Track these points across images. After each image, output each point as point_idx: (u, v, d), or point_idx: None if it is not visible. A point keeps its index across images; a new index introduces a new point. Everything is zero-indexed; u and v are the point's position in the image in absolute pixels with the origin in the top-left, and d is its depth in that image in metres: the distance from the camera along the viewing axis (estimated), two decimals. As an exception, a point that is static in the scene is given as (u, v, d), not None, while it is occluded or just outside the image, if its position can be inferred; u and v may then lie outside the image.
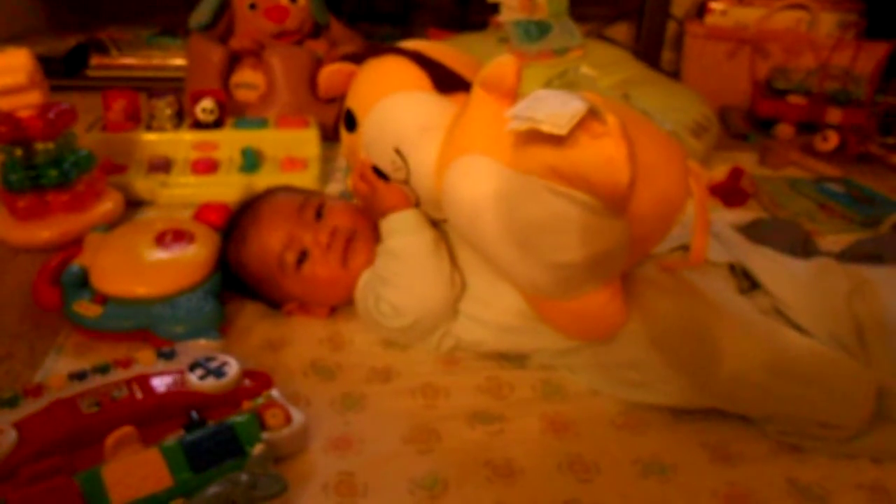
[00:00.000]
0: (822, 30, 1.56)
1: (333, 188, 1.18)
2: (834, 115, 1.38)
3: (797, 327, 0.70)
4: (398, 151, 0.72)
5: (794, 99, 1.45)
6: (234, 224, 0.85)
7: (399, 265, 0.74)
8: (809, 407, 0.65)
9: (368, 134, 0.75)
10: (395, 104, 0.72)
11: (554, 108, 0.55)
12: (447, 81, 0.72)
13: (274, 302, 0.84)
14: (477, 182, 0.62)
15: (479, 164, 0.62)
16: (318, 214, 0.81)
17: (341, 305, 0.83)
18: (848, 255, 0.87)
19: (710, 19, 1.63)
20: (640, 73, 1.43)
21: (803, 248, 0.87)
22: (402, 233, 0.74)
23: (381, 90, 0.74)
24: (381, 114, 0.73)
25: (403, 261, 0.73)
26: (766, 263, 0.76)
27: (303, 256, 0.79)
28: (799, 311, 0.71)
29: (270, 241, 0.80)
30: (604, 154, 0.56)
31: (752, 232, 0.86)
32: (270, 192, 0.87)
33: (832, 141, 1.38)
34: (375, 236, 0.79)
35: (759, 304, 0.73)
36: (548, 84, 1.30)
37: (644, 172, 0.58)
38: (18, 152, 0.95)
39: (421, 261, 0.73)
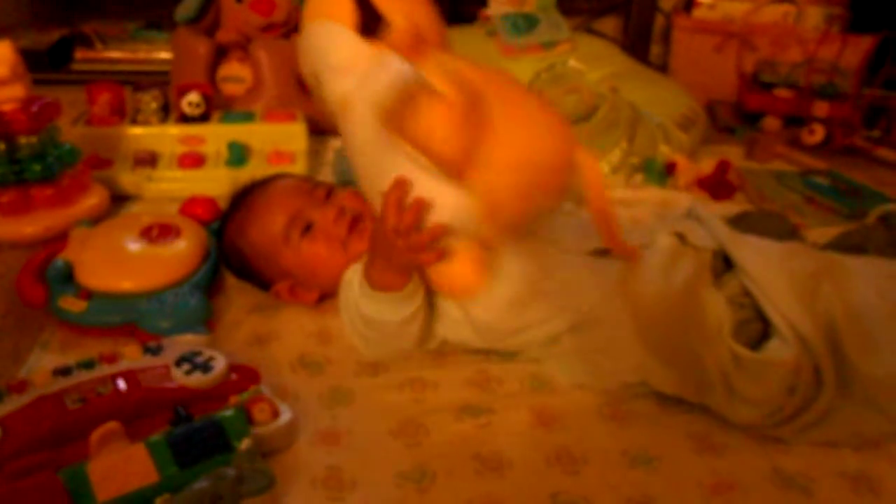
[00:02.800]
0: (809, 23, 1.56)
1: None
2: (820, 108, 1.39)
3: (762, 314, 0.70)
4: (315, 76, 0.73)
5: (781, 92, 1.45)
6: (241, 197, 0.86)
7: (370, 331, 0.74)
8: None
9: (299, 47, 0.76)
10: (316, 33, 0.72)
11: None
12: (372, 27, 0.71)
13: (264, 281, 0.84)
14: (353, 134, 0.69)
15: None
16: (328, 195, 0.83)
17: (330, 293, 0.83)
18: (833, 247, 0.88)
19: (697, 13, 1.63)
20: (627, 66, 1.43)
21: (789, 240, 0.87)
22: (383, 312, 0.71)
23: (311, 11, 0.74)
24: (304, 37, 0.74)
25: (374, 329, 0.73)
26: (747, 251, 0.76)
27: (307, 229, 0.81)
28: (770, 293, 0.70)
29: (278, 212, 0.82)
30: (431, 126, 0.59)
31: (739, 225, 0.86)
32: (281, 175, 0.89)
33: (818, 134, 1.38)
34: None
35: (730, 287, 0.73)
36: (536, 78, 1.30)
37: (502, 140, 0.60)
38: (1, 146, 0.94)
39: (391, 334, 0.73)
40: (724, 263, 0.76)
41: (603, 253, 0.76)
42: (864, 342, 0.66)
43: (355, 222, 0.81)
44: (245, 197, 0.86)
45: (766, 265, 0.72)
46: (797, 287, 0.69)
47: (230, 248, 0.85)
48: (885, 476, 0.63)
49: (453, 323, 0.75)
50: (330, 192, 0.84)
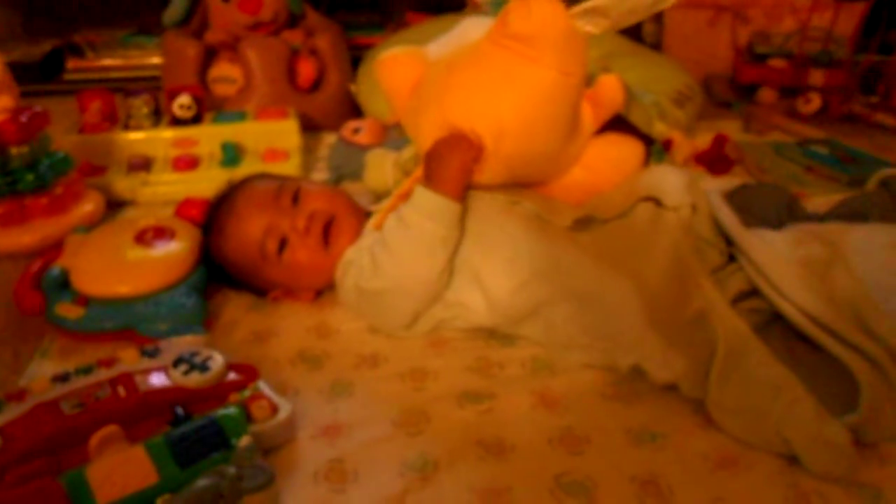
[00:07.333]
0: (801, -8, 1.54)
1: (317, 178, 1.17)
2: (816, 76, 1.38)
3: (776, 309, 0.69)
4: None
5: (776, 63, 1.44)
6: (212, 217, 0.85)
7: (404, 237, 0.73)
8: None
9: None
10: None
11: None
12: None
13: (259, 290, 0.84)
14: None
15: None
16: (295, 199, 0.81)
17: (326, 289, 0.83)
18: (835, 215, 0.86)
19: (689, -12, 1.61)
20: (621, 45, 1.42)
21: (788, 211, 0.86)
22: (427, 217, 0.72)
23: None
24: None
25: (409, 236, 0.72)
26: (755, 241, 0.75)
27: (283, 243, 0.79)
28: (784, 285, 0.69)
29: (249, 230, 0.80)
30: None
31: (737, 198, 0.86)
32: (246, 182, 0.86)
33: (815, 103, 1.37)
34: (355, 217, 0.80)
35: (735, 282, 0.72)
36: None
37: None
38: (-7, 158, 0.94)
39: (424, 245, 0.72)
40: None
41: (586, 222, 0.76)
42: (892, 322, 0.63)
43: (328, 226, 0.80)
44: (215, 216, 0.84)
45: (775, 258, 0.70)
46: (811, 278, 0.68)
47: (214, 264, 0.84)
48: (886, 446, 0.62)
49: (465, 310, 0.75)
50: (296, 194, 0.81)
